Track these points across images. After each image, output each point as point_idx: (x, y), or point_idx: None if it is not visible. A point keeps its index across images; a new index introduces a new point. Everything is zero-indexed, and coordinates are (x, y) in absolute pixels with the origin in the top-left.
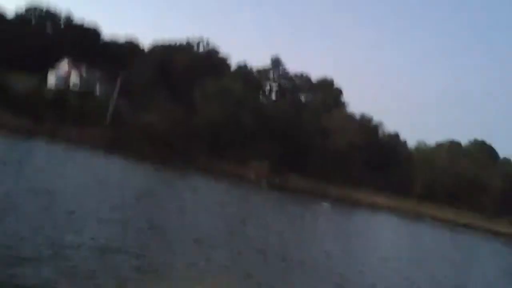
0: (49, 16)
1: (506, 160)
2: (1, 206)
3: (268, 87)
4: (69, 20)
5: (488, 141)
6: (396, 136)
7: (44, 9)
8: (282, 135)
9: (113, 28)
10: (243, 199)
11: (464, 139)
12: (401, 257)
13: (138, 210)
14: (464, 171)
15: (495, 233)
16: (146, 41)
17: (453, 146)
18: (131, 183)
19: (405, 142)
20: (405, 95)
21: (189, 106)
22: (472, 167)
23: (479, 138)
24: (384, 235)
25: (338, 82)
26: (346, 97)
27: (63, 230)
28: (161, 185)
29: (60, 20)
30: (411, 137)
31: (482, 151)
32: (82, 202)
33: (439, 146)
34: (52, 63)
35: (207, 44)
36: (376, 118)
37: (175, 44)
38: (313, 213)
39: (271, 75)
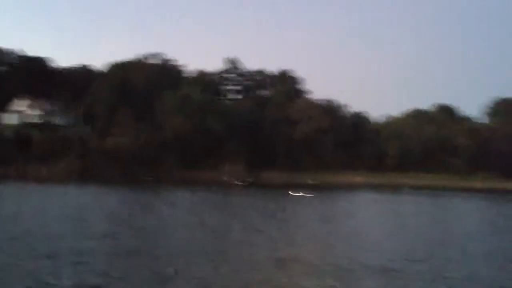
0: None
1: (467, 118)
2: None
3: (228, 89)
4: (20, 57)
5: (450, 103)
6: (362, 114)
7: None
8: (250, 133)
9: (64, 58)
10: (220, 205)
11: (428, 105)
12: (390, 231)
13: (120, 237)
14: (431, 136)
15: (471, 190)
16: (99, 65)
17: (418, 114)
18: (106, 210)
19: (371, 118)
20: (366, 73)
21: (153, 121)
22: (438, 131)
23: (441, 102)
24: (364, 213)
25: (299, 72)
26: (309, 85)
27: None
28: (137, 206)
29: (11, 56)
30: (380, 113)
31: (446, 114)
32: (61, 241)
33: (405, 116)
34: (7, 101)
35: (162, 57)
36: (344, 100)
37: (129, 62)
38: (288, 204)
39: (229, 76)
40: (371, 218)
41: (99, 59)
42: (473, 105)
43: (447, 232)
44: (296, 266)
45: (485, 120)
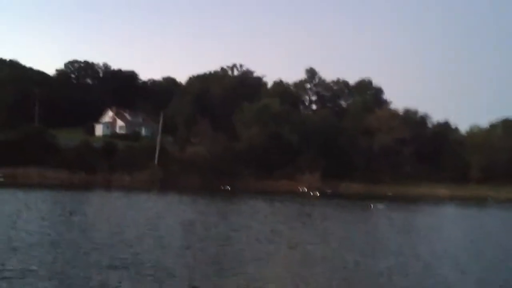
0: (87, 68)
1: None
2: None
3: (307, 99)
4: (107, 70)
5: None
6: (446, 124)
7: (82, 62)
8: (327, 144)
9: (149, 72)
10: (301, 214)
11: None
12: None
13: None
14: None
15: None
16: (182, 77)
17: (506, 124)
18: (186, 219)
19: (456, 129)
20: (452, 81)
21: (231, 132)
22: None
23: None
24: (448, 229)
25: (378, 82)
26: (388, 95)
27: None
28: (214, 217)
29: (98, 71)
30: (465, 122)
31: None
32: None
33: (493, 126)
34: (96, 113)
35: (241, 68)
36: (424, 110)
37: (210, 73)
38: (369, 217)
39: (308, 87)
40: (456, 235)
41: (183, 72)
42: None
43: None
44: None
45: None
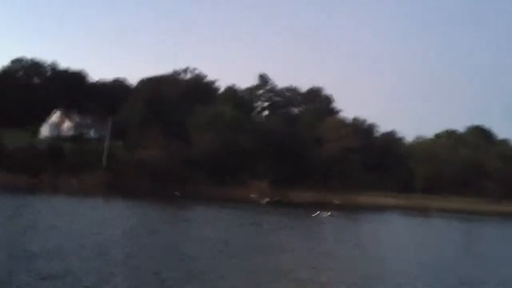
0: (35, 67)
1: (504, 141)
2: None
3: (259, 105)
4: (55, 69)
5: (485, 124)
6: (392, 134)
7: (29, 61)
8: (279, 151)
9: (99, 73)
10: (243, 223)
11: (461, 127)
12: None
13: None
14: (464, 159)
15: (503, 214)
16: (134, 79)
17: (451, 135)
18: (133, 226)
19: (402, 139)
20: (397, 92)
21: (183, 137)
22: (471, 153)
23: (475, 123)
24: (388, 236)
25: (328, 90)
26: (338, 103)
27: None
28: (167, 224)
29: (46, 70)
30: (410, 133)
31: (480, 136)
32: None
33: (437, 137)
34: (42, 113)
35: (193, 71)
36: (373, 119)
37: (162, 76)
38: (313, 225)
39: (260, 93)
40: (394, 241)
41: (133, 74)
42: (508, 127)
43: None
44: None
45: None
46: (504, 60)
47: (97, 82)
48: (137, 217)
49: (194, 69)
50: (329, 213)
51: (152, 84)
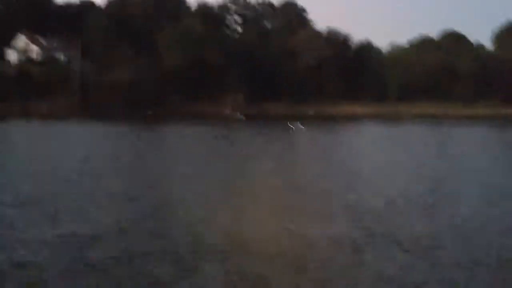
0: None
1: (479, 46)
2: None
3: (231, 20)
4: None
5: (458, 28)
6: (367, 44)
7: None
8: (251, 65)
9: None
10: (219, 137)
11: (436, 32)
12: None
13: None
14: (435, 64)
15: (473, 117)
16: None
17: (423, 42)
18: (110, 149)
19: (377, 48)
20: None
21: (153, 54)
22: (444, 57)
23: (450, 28)
24: (356, 144)
25: (302, 2)
26: (312, 15)
27: None
28: (144, 143)
29: None
30: (385, 41)
31: (454, 41)
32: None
33: (412, 44)
34: (6, 38)
35: None
36: (348, 30)
37: None
38: (287, 136)
39: (232, 7)
40: (365, 148)
41: None
42: (483, 31)
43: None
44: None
45: (493, 46)
46: None
47: (62, 3)
48: (108, 139)
49: None
50: (301, 125)
51: (118, 3)
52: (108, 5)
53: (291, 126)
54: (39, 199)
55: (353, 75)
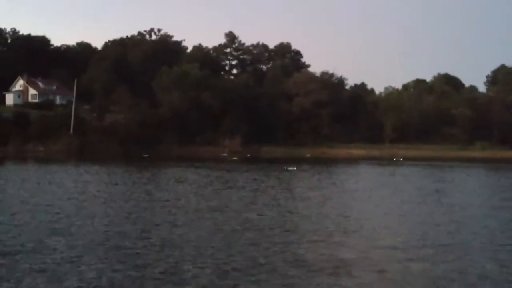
0: None
1: (472, 88)
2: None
3: (227, 63)
4: (15, 35)
5: (453, 73)
6: (362, 86)
7: None
8: (248, 108)
9: (62, 38)
10: (212, 180)
11: (429, 76)
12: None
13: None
14: (430, 107)
15: (470, 159)
16: (98, 42)
17: (419, 85)
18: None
19: (372, 90)
20: (368, 45)
21: (150, 98)
22: (437, 100)
23: (443, 71)
24: (352, 185)
25: (296, 45)
26: (306, 58)
27: None
28: (140, 186)
29: (7, 37)
30: (381, 84)
31: (447, 83)
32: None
33: (406, 87)
34: (6, 82)
35: (159, 32)
36: (343, 73)
37: (127, 38)
38: (279, 179)
39: (228, 51)
40: (359, 189)
41: (98, 37)
42: (476, 74)
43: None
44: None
45: (486, 89)
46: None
47: (61, 46)
48: (102, 182)
49: (159, 30)
50: (295, 167)
51: (117, 46)
52: (107, 48)
53: (287, 168)
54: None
55: (348, 117)
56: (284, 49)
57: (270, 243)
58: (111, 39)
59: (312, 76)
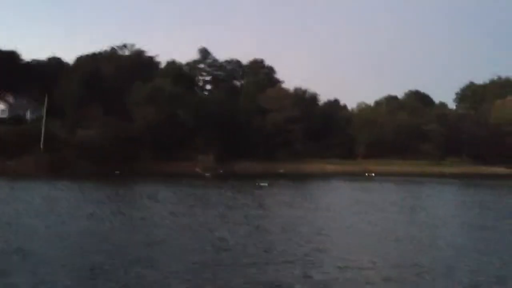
0: None
1: (442, 105)
2: None
3: (200, 79)
4: None
5: (424, 90)
6: (335, 102)
7: None
8: (222, 124)
9: (33, 53)
10: (189, 196)
11: (401, 93)
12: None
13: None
14: (403, 123)
15: (442, 175)
16: (69, 57)
17: (390, 101)
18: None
19: (345, 106)
20: (341, 62)
21: (123, 114)
22: (408, 117)
23: (414, 88)
24: (318, 200)
25: (270, 62)
26: (280, 74)
27: None
28: (111, 203)
29: None
30: (353, 100)
31: (418, 100)
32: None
33: (378, 104)
34: None
35: (132, 47)
36: (317, 89)
37: (100, 53)
38: (252, 196)
39: (201, 66)
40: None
41: (70, 52)
42: (446, 91)
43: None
44: None
45: (456, 105)
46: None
47: (31, 61)
48: (70, 199)
49: (132, 45)
50: (267, 183)
51: (89, 62)
52: (78, 63)
53: (259, 184)
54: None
55: (322, 133)
56: (257, 65)
57: (241, 264)
58: (83, 54)
59: (285, 92)
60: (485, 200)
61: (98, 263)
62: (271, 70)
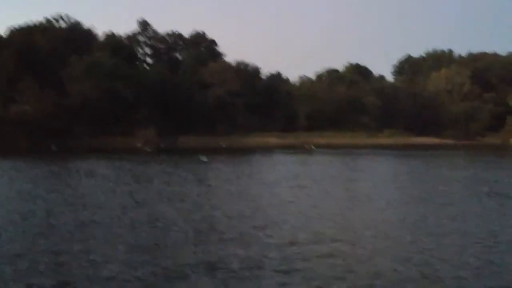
0: None
1: (380, 78)
2: None
3: (141, 52)
4: None
5: (363, 63)
6: (277, 76)
7: None
8: (163, 98)
9: None
10: (127, 172)
11: (341, 66)
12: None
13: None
14: (342, 96)
15: (379, 146)
16: (1, 29)
17: (331, 74)
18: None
19: (287, 80)
20: (283, 35)
21: (60, 88)
22: (348, 90)
23: (354, 61)
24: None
25: (211, 35)
26: (222, 47)
27: None
28: (45, 180)
29: None
30: (296, 74)
31: (357, 73)
32: None
33: (319, 76)
34: None
35: (68, 19)
36: (257, 63)
37: (34, 25)
38: (192, 169)
39: (141, 39)
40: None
41: (1, 23)
42: (384, 64)
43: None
44: None
45: (393, 78)
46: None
47: None
48: (4, 177)
49: (69, 17)
50: (206, 158)
51: (23, 34)
52: (11, 35)
53: (200, 159)
54: None
55: (264, 107)
56: (199, 38)
57: (178, 244)
58: (16, 25)
59: (227, 65)
60: (416, 172)
61: (24, 248)
62: (212, 43)
